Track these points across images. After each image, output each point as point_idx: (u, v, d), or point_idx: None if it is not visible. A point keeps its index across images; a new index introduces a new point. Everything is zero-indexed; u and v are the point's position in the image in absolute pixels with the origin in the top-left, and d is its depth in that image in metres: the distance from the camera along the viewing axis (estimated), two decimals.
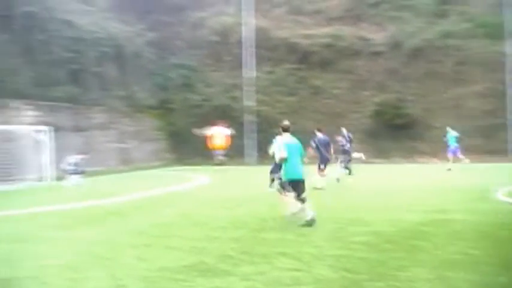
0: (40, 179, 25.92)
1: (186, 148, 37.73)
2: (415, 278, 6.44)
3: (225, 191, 19.42)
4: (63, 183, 22.66)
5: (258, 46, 39.81)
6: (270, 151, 13.08)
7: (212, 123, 30.35)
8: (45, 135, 26.45)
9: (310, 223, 10.58)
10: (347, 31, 40.01)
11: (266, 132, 36.68)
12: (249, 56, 39.28)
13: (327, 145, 18.78)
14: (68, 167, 22.63)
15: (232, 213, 13.25)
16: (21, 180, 24.54)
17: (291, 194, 11.04)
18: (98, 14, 38.57)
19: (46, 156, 26.39)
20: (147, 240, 9.71)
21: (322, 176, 18.44)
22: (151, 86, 41.27)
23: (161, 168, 28.23)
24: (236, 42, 41.35)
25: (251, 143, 37.13)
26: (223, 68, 42.08)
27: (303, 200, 10.94)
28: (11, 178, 24.29)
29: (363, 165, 31.55)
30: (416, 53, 36.49)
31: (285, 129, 11.67)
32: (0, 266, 8.06)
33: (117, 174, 29.57)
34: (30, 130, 26.45)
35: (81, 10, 36.75)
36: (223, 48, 42.56)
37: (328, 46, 39.53)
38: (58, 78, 32.14)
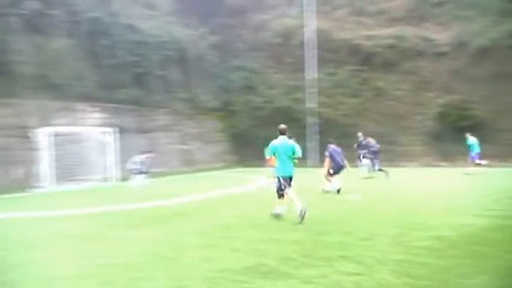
0: (105, 180, 26.63)
1: (248, 150, 37.95)
2: (477, 285, 6.32)
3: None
4: (128, 183, 23.14)
5: (319, 48, 39.69)
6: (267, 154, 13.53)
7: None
8: (110, 137, 27.13)
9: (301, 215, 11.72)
10: (410, 31, 39.42)
11: (328, 134, 36.66)
12: (311, 57, 39.17)
13: (340, 154, 19.14)
14: (134, 166, 23.01)
15: (292, 215, 13.25)
16: (87, 180, 25.27)
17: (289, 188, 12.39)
18: (161, 18, 39.33)
19: (111, 157, 27.08)
20: (209, 241, 9.83)
21: (330, 180, 18.59)
22: (213, 89, 41.75)
23: (223, 170, 28.42)
24: (298, 44, 41.35)
25: (313, 145, 36.98)
26: (285, 70, 42.16)
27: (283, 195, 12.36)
28: (77, 178, 25.05)
29: (424, 169, 31.09)
30: (482, 53, 35.52)
31: (282, 132, 12.79)
32: (67, 263, 8.33)
33: (180, 175, 29.97)
34: (96, 132, 27.21)
35: (144, 14, 37.59)
36: (285, 50, 42.65)
37: (391, 47, 39.05)
38: (123, 81, 33.00)
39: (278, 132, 12.80)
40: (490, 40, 35.27)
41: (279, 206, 12.52)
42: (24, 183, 23.60)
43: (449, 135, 33.25)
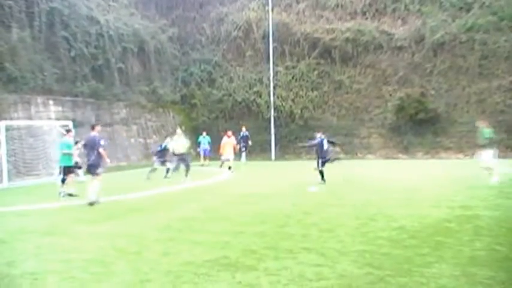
0: None
1: None
2: (440, 275, 6.39)
3: (243, 186, 19.40)
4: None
5: (279, 41, 39.73)
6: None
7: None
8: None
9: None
10: (369, 25, 39.61)
11: (287, 127, 36.78)
12: (271, 50, 39.14)
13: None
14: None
15: (253, 208, 13.27)
16: (46, 174, 24.73)
17: None
18: (121, 9, 38.86)
19: None
20: (171, 235, 9.77)
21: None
22: (174, 81, 41.53)
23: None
24: (258, 37, 41.34)
25: (269, 139, 37.06)
26: (246, 63, 42.07)
27: None
28: (36, 173, 24.58)
29: (385, 161, 31.46)
30: (440, 47, 36.02)
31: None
32: (29, 260, 8.18)
33: (139, 169, 29.70)
34: (54, 125, 26.67)
35: (104, 6, 37.09)
36: (246, 43, 42.54)
37: (350, 40, 39.18)
38: (81, 74, 32.61)
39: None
40: (447, 34, 35.79)
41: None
42: None
43: (408, 127, 33.72)
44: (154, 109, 38.63)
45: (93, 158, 15.05)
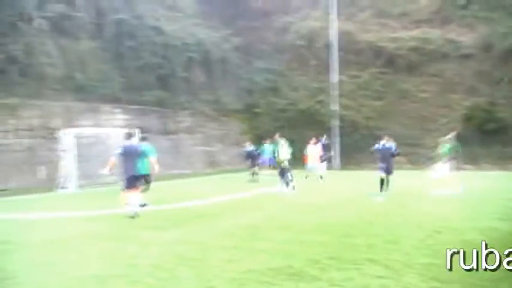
0: None
1: None
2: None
3: (308, 196, 19.33)
4: None
5: (343, 50, 39.50)
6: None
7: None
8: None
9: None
10: (434, 33, 39.03)
11: (351, 137, 36.40)
12: (334, 60, 38.98)
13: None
14: None
15: (316, 217, 13.24)
16: (113, 181, 25.22)
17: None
18: (185, 20, 39.52)
19: None
20: (235, 243, 9.86)
21: None
22: (237, 90, 41.76)
23: (246, 172, 28.45)
24: (322, 46, 41.18)
25: (335, 148, 36.79)
26: (309, 72, 42.03)
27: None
28: (103, 179, 25.10)
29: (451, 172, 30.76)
30: (509, 55, 35.10)
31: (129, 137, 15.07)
32: (96, 263, 8.42)
33: (204, 176, 30.05)
34: (121, 133, 27.19)
35: (169, 16, 37.83)
36: (309, 52, 42.48)
37: (415, 49, 38.71)
38: (147, 82, 33.29)
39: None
40: None
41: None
42: (49, 184, 23.78)
43: (475, 137, 32.87)
44: (218, 118, 39.01)
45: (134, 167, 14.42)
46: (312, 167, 26.70)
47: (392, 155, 18.62)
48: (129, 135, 15.27)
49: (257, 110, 41.48)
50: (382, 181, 18.18)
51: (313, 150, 26.76)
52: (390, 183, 18.25)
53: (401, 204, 15.51)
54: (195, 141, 36.14)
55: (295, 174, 21.89)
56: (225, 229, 11.57)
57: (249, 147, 28.33)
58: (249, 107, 41.65)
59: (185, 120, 35.81)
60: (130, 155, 14.27)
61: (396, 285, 6.69)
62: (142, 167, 15.16)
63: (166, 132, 33.13)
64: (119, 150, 14.30)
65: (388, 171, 18.20)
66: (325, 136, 31.04)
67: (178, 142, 34.09)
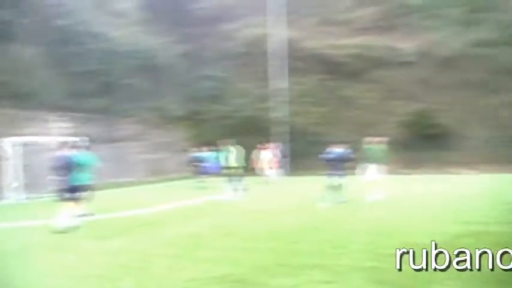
0: None
1: None
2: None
3: (255, 202, 19.36)
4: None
5: (287, 57, 39.78)
6: None
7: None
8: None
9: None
10: (376, 41, 39.81)
11: (297, 143, 36.65)
12: (278, 66, 39.25)
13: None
14: None
15: (264, 224, 13.26)
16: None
17: None
18: (129, 26, 39.09)
19: None
20: (177, 251, 9.79)
21: None
22: (182, 98, 41.54)
23: (191, 179, 28.36)
24: (266, 53, 41.42)
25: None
26: (253, 79, 42.14)
27: None
28: (47, 188, 24.57)
29: (393, 176, 31.34)
30: (448, 63, 36.09)
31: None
32: (37, 275, 8.21)
33: (148, 185, 29.76)
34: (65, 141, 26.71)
35: (112, 23, 37.33)
36: (253, 59, 42.60)
37: (358, 56, 39.39)
38: (91, 90, 32.68)
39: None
40: (454, 50, 35.89)
41: None
42: None
43: (417, 143, 33.65)
44: (163, 125, 38.71)
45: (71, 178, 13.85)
46: (269, 172, 26.91)
47: (345, 161, 18.78)
48: (65, 145, 14.97)
49: (201, 117, 41.37)
50: (332, 187, 18.30)
51: (267, 156, 26.93)
52: (343, 189, 18.30)
53: (349, 210, 15.70)
54: (139, 149, 35.74)
55: (246, 181, 21.93)
56: (168, 238, 11.48)
57: (197, 153, 28.24)
58: (194, 114, 41.49)
59: (130, 127, 35.39)
60: (66, 165, 13.77)
61: None
62: (79, 178, 14.35)
63: (110, 140, 32.62)
64: (55, 161, 13.83)
65: (340, 177, 18.35)
66: (279, 143, 31.08)
67: (123, 150, 33.63)
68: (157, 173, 35.94)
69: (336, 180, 18.24)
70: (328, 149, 19.15)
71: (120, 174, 28.68)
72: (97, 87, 33.30)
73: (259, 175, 27.64)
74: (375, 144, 19.29)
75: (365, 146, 19.48)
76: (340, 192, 18.02)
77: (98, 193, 19.80)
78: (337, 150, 18.93)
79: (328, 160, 18.76)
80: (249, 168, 27.34)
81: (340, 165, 18.48)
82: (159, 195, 24.23)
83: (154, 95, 38.97)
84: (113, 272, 8.25)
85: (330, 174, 18.45)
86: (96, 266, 8.77)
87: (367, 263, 8.22)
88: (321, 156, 19.24)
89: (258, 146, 27.98)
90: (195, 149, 29.46)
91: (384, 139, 19.78)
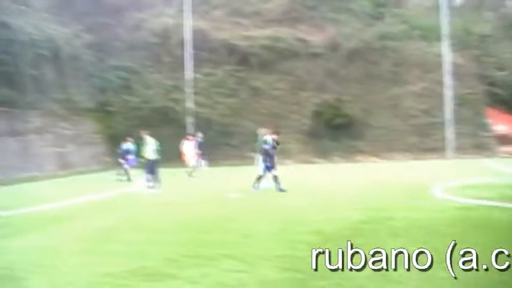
0: None
1: None
2: (354, 276, 6.51)
3: (168, 195, 19.22)
4: None
5: (197, 48, 39.65)
6: None
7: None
8: None
9: None
10: (286, 33, 40.32)
11: (206, 133, 36.58)
12: (188, 57, 39.08)
13: None
14: None
15: (174, 216, 13.21)
16: None
17: None
18: (33, 14, 37.67)
19: None
20: (88, 246, 9.59)
21: None
22: (89, 89, 40.53)
23: (101, 173, 27.81)
24: (176, 43, 41.10)
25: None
26: (163, 70, 41.74)
27: None
28: None
29: (302, 165, 31.89)
30: (355, 55, 37.15)
31: None
32: None
33: (56, 179, 28.95)
34: None
35: (15, 10, 35.84)
36: (163, 49, 42.20)
37: (267, 48, 39.76)
38: None
39: None
40: (361, 42, 36.94)
41: None
42: None
43: (325, 132, 34.44)
44: (70, 117, 37.60)
45: None
46: (193, 164, 26.92)
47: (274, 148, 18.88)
48: None
49: (110, 108, 40.56)
50: (260, 177, 18.33)
51: (189, 147, 26.94)
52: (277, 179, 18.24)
53: (258, 199, 15.86)
54: (45, 142, 34.56)
55: (164, 172, 21.77)
56: (78, 233, 11.20)
57: (126, 145, 27.56)
58: (102, 106, 40.59)
59: (34, 120, 34.12)
60: None
61: (252, 277, 6.79)
62: None
63: (14, 134, 31.41)
64: None
65: (271, 168, 18.38)
66: (199, 134, 30.77)
67: (28, 143, 32.43)
68: (66, 167, 34.96)
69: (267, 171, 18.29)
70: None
71: (26, 169, 27.69)
72: None
73: (186, 166, 27.56)
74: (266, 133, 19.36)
75: (260, 135, 19.71)
76: (275, 182, 18.07)
77: (1, 189, 19.18)
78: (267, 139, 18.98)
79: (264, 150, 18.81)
80: (180, 160, 27.46)
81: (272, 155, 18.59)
82: (67, 189, 23.61)
83: (60, 86, 37.78)
84: (22, 270, 7.95)
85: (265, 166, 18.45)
86: (3, 266, 8.41)
87: (277, 251, 8.32)
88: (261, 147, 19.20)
89: (187, 137, 28.02)
90: (131, 139, 28.35)
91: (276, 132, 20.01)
